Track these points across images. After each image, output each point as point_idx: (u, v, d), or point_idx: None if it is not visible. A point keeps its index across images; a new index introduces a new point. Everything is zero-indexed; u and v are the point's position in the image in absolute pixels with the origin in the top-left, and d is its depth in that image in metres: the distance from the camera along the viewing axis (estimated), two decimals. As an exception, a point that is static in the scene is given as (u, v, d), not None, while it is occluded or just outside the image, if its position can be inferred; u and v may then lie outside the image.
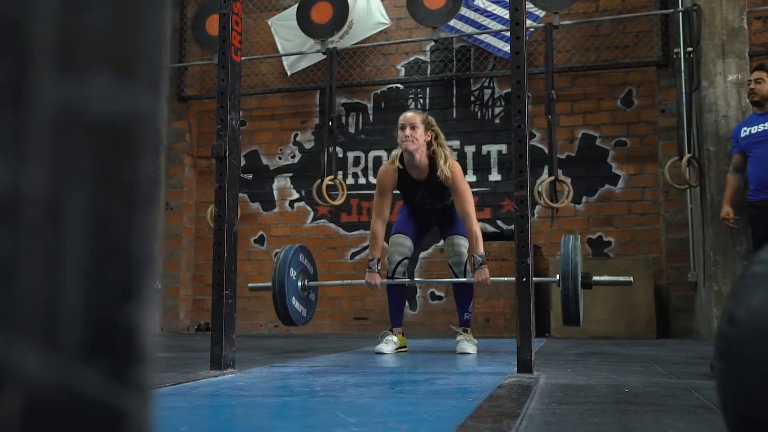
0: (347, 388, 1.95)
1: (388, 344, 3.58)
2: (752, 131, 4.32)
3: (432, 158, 3.54)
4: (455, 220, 3.67)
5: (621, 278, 3.52)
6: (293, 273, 3.63)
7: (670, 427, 1.31)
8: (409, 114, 3.55)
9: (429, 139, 3.52)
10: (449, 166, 3.47)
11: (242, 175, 5.90)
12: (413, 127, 3.46)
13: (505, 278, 3.85)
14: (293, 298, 3.61)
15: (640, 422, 1.37)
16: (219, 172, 2.56)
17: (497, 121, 6.20)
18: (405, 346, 3.75)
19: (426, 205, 3.70)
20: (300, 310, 3.69)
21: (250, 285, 3.96)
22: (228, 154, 2.56)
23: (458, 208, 3.52)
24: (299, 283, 3.67)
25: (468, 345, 3.57)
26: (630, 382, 2.10)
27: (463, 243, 3.61)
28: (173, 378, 2.22)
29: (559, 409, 1.54)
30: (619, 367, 2.62)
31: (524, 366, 2.21)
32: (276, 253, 3.69)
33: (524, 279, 2.23)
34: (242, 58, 6.60)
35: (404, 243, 3.65)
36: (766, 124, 4.25)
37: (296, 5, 6.16)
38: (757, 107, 4.34)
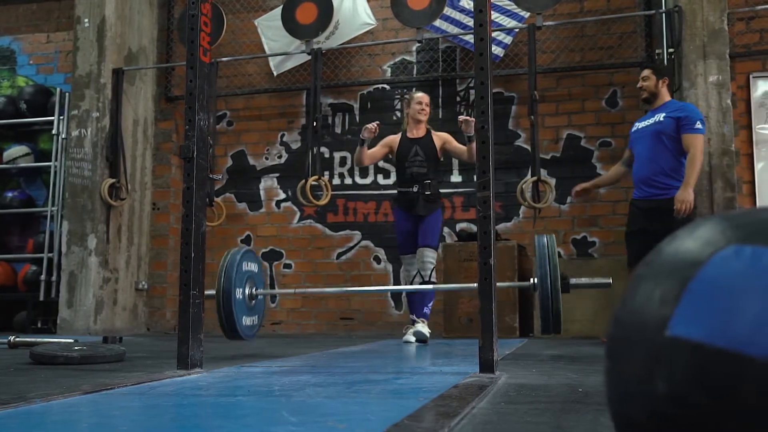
0: (305, 388, 1.96)
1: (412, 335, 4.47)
2: (639, 127, 4.43)
3: (428, 128, 4.77)
4: (429, 228, 4.54)
5: (601, 280, 3.45)
6: (240, 281, 3.30)
7: (604, 427, 1.32)
8: (425, 95, 4.74)
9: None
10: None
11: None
12: (427, 105, 4.72)
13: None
14: (241, 309, 3.30)
15: (578, 422, 1.38)
16: (187, 172, 2.57)
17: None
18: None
19: (415, 164, 4.59)
20: (246, 323, 3.38)
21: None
22: (196, 155, 2.57)
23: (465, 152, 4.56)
24: (246, 291, 3.38)
25: (424, 328, 4.45)
26: (588, 382, 2.11)
27: (429, 255, 4.51)
28: (136, 378, 2.23)
29: (505, 409, 1.55)
30: (586, 368, 2.63)
31: (486, 366, 2.22)
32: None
33: (486, 279, 2.24)
34: (229, 59, 6.62)
35: (413, 261, 4.62)
36: (649, 121, 4.33)
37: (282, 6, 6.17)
38: (648, 104, 4.44)
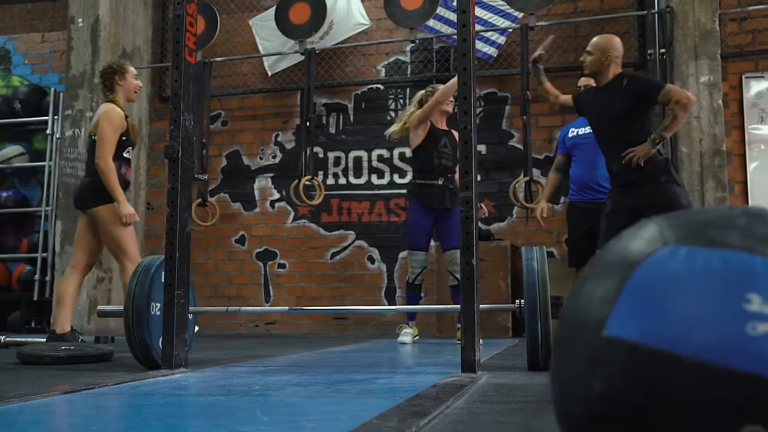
0: (285, 388, 1.97)
1: (407, 336, 4.46)
2: (579, 132, 4.41)
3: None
4: (456, 225, 4.00)
5: None
6: (157, 297, 2.67)
7: (573, 426, 1.32)
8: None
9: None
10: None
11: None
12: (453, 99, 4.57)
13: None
14: (158, 330, 2.58)
15: (549, 420, 1.39)
16: (172, 172, 2.58)
17: (476, 121, 6.20)
18: (417, 335, 4.65)
19: (444, 155, 4.47)
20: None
21: (99, 308, 2.99)
22: (180, 155, 2.58)
23: None
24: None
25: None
26: (568, 381, 2.11)
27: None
28: (119, 377, 2.23)
29: (479, 409, 1.56)
30: (571, 367, 2.63)
31: (468, 366, 2.22)
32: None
33: (468, 279, 2.25)
34: (223, 59, 6.61)
35: (422, 258, 4.48)
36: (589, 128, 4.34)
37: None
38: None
